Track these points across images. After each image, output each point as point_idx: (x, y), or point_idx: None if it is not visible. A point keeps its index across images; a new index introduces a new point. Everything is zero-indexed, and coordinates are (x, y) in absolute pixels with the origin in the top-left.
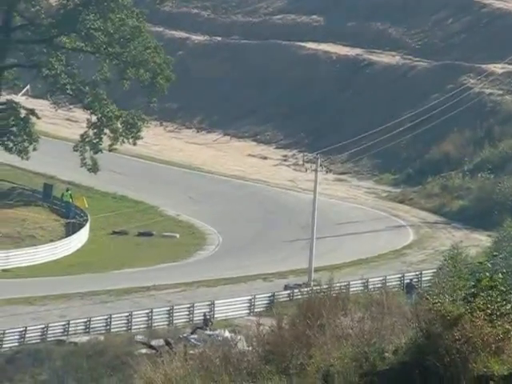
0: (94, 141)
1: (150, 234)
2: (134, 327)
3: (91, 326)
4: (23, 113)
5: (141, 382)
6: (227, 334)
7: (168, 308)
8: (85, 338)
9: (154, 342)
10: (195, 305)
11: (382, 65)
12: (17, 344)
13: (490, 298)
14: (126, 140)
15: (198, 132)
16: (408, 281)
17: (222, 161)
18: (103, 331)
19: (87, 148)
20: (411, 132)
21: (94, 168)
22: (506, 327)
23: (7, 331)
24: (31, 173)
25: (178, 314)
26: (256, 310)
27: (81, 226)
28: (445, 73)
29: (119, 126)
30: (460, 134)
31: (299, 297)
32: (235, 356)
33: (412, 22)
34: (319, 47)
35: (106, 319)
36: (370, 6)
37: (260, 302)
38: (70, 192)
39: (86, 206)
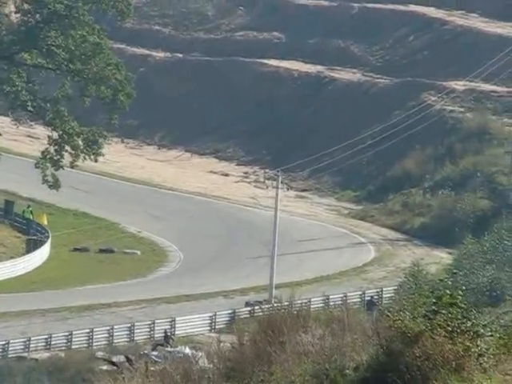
0: (55, 157)
1: (111, 251)
2: (94, 344)
3: (52, 343)
4: None
5: None
6: (188, 350)
7: (129, 325)
8: (46, 355)
9: (114, 359)
10: (156, 321)
11: (343, 82)
12: None
13: (450, 315)
14: (87, 157)
15: (159, 149)
16: (369, 298)
17: (183, 178)
18: (64, 348)
19: (48, 165)
20: (373, 149)
21: (55, 185)
22: (466, 344)
23: None
24: None
25: (138, 330)
26: (217, 327)
27: (42, 243)
28: (406, 90)
29: (80, 142)
30: (421, 151)
31: (260, 314)
32: (196, 373)
33: (373, 39)
34: (281, 64)
35: (67, 336)
36: (332, 23)
37: (221, 319)
38: (30, 209)
39: (46, 222)
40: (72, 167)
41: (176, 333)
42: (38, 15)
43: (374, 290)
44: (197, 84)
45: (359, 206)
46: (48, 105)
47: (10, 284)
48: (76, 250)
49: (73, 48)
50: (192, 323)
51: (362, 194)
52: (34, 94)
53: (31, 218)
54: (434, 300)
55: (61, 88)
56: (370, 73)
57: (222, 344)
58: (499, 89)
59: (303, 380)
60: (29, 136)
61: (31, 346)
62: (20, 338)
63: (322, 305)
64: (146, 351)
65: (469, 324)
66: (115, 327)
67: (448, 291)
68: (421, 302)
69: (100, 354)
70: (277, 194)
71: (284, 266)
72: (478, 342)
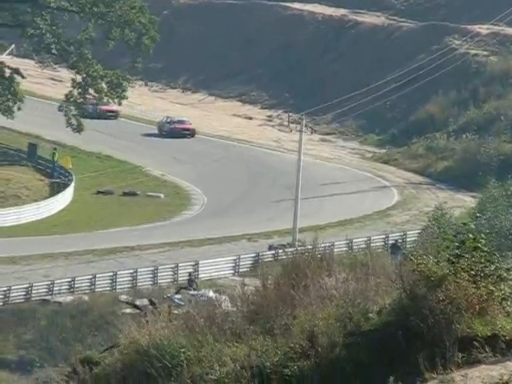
0: (79, 100)
1: (134, 194)
2: (118, 287)
3: (75, 286)
4: (8, 72)
5: (125, 341)
6: (211, 294)
7: (152, 268)
8: (69, 298)
9: (138, 302)
10: (179, 265)
11: (367, 25)
12: (1, 303)
13: (473, 259)
14: (110, 100)
15: (182, 92)
16: (393, 241)
17: (207, 121)
18: (87, 291)
19: (72, 108)
20: (396, 93)
21: (78, 128)
22: (489, 288)
23: None
24: (16, 132)
25: (162, 273)
26: (240, 270)
27: (65, 186)
28: (430, 34)
29: (104, 85)
30: (445, 95)
31: (284, 257)
32: (219, 316)
33: None
34: (304, 7)
35: (91, 279)
36: None
37: (244, 263)
38: (55, 152)
39: (71, 165)
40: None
41: (199, 276)
42: None
43: (398, 234)
44: (220, 27)
45: (383, 149)
46: (72, 48)
47: (34, 227)
48: (99, 192)
49: None
50: (215, 266)
51: (385, 138)
52: (57, 37)
53: (56, 160)
54: (458, 244)
55: (84, 31)
56: (394, 16)
57: (245, 287)
58: None
59: (327, 323)
60: (52, 79)
61: (55, 289)
62: (43, 281)
63: (345, 248)
64: (169, 294)
65: (492, 268)
66: (139, 270)
67: (471, 235)
68: (444, 245)
69: (123, 297)
70: (300, 138)
71: (307, 209)
72: (502, 286)
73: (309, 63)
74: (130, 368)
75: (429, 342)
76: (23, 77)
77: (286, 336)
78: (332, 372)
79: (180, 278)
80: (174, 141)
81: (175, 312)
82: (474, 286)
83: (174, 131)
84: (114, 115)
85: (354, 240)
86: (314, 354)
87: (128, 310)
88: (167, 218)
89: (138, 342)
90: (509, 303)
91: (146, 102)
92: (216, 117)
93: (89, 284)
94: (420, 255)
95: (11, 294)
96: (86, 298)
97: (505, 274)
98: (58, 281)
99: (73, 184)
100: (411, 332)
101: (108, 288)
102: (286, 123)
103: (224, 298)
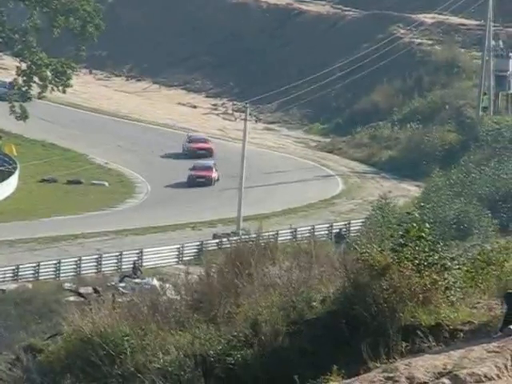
0: (24, 88)
1: (79, 182)
2: (62, 275)
3: (19, 274)
4: None
5: (69, 329)
6: (155, 282)
7: (96, 256)
8: (13, 286)
9: (82, 290)
10: (124, 253)
11: (312, 14)
12: None
13: (417, 248)
14: (55, 88)
15: (127, 80)
16: (337, 230)
17: (151, 109)
18: (31, 279)
19: (16, 96)
20: (341, 82)
21: (22, 116)
22: (433, 277)
23: None
24: None
25: (106, 262)
26: (184, 259)
27: (10, 174)
28: (375, 22)
29: (49, 73)
30: (389, 84)
31: (228, 246)
32: (163, 304)
33: None
34: None
35: (35, 267)
36: None
37: (188, 251)
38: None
39: (15, 153)
40: (40, 98)
41: (143, 264)
42: None
43: (342, 223)
44: (165, 16)
45: (327, 138)
46: (16, 35)
47: None
48: (44, 180)
49: None
50: (159, 255)
51: (329, 127)
52: (2, 25)
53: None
54: (402, 233)
55: (29, 19)
56: (339, 5)
57: (189, 276)
58: (468, 22)
59: (270, 312)
60: None
61: None
62: None
63: (289, 237)
64: (113, 283)
65: (436, 257)
66: (83, 258)
67: (415, 224)
68: (388, 234)
69: (67, 285)
70: (245, 126)
71: (252, 198)
72: (446, 275)
73: (254, 51)
74: (74, 356)
75: (372, 330)
76: None
77: (230, 324)
78: (275, 360)
79: (124, 267)
80: (118, 128)
81: (119, 300)
82: (418, 275)
83: (191, 151)
84: (207, 153)
85: (298, 229)
86: (257, 343)
87: (72, 298)
88: (111, 206)
89: (82, 330)
90: (453, 292)
91: (90, 89)
92: (161, 105)
93: (33, 272)
94: (364, 244)
95: None
96: (29, 285)
97: (449, 264)
98: (2, 268)
99: (17, 172)
100: (355, 321)
101: (52, 276)
102: (230, 112)
103: (168, 286)
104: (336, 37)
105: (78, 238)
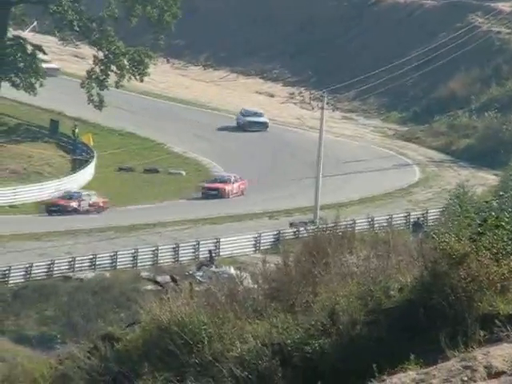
0: (101, 77)
1: (156, 171)
2: (139, 264)
3: (97, 263)
4: (30, 49)
5: (146, 318)
6: (233, 271)
7: (174, 245)
8: (90, 275)
9: (159, 279)
10: (201, 242)
11: (388, 3)
12: (23, 280)
13: (496, 237)
14: (132, 77)
15: (204, 69)
16: (415, 219)
17: (229, 98)
18: (109, 268)
19: (94, 84)
20: (418, 71)
21: (100, 104)
22: (511, 266)
23: (13, 267)
24: (38, 109)
25: (183, 250)
26: (261, 248)
27: (87, 163)
28: (452, 11)
29: (126, 62)
30: (467, 72)
31: (305, 234)
32: (241, 293)
33: None
34: None
35: (112, 256)
36: None
37: (265, 240)
38: (76, 129)
39: (92, 143)
40: (117, 87)
41: (220, 253)
42: None
43: (419, 212)
44: (242, 4)
45: (405, 127)
46: (94, 24)
47: None
48: (121, 169)
49: None
50: (237, 244)
51: (407, 116)
52: (80, 14)
53: (77, 137)
54: (480, 222)
55: (107, 8)
56: None
57: (266, 264)
58: None
59: (348, 301)
60: (75, 56)
61: (76, 265)
62: (65, 257)
63: (367, 226)
64: (190, 271)
65: None
66: (160, 247)
67: (494, 213)
68: (466, 223)
69: (145, 274)
70: (322, 115)
71: (329, 187)
72: None
73: (331, 40)
74: (152, 344)
75: (450, 319)
76: (45, 53)
77: (307, 313)
78: (353, 350)
79: (201, 255)
80: (196, 117)
81: (197, 289)
82: (496, 263)
83: (245, 124)
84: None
85: (376, 218)
86: (334, 332)
87: (150, 287)
88: (189, 195)
89: (160, 319)
90: None
91: (168, 79)
92: (238, 94)
93: (110, 261)
94: (442, 233)
95: (33, 271)
96: (107, 274)
97: None
98: (80, 257)
99: (94, 161)
100: (432, 310)
101: (129, 265)
102: (307, 101)
103: (245, 275)
104: (413, 26)
105: (155, 226)
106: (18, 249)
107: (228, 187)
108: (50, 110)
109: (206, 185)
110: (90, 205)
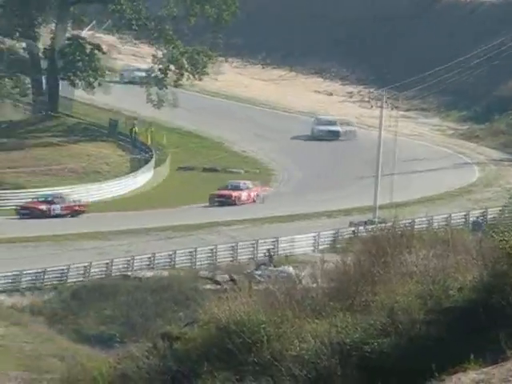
0: (160, 76)
1: (215, 170)
2: (198, 263)
3: (156, 262)
4: (89, 48)
5: (205, 317)
6: (291, 270)
7: (232, 244)
8: (149, 274)
9: (218, 278)
10: (259, 241)
11: (450, 0)
12: (82, 279)
13: None
14: (191, 76)
15: (263, 68)
16: (475, 218)
17: (287, 97)
18: (167, 267)
19: (152, 83)
20: (479, 69)
21: (159, 103)
22: None
23: (72, 266)
24: (97, 108)
25: (241, 250)
26: (320, 247)
27: (146, 162)
28: None
29: (185, 62)
30: None
31: (364, 234)
32: (299, 292)
33: None
34: None
35: (171, 255)
36: None
37: (324, 239)
38: (135, 128)
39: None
40: (176, 86)
41: (279, 252)
42: None
43: (479, 211)
44: (300, 2)
45: (465, 126)
46: (152, 24)
47: (115, 203)
48: (181, 168)
49: None
50: (295, 243)
51: (467, 114)
52: (138, 13)
53: (135, 136)
54: None
55: (166, 7)
56: None
57: (325, 264)
58: None
59: (407, 300)
60: (133, 55)
61: (135, 264)
62: (124, 256)
63: (426, 225)
64: (249, 270)
65: None
66: (219, 246)
67: None
68: None
69: (203, 273)
70: (381, 114)
71: (388, 186)
72: None
73: (390, 39)
74: (210, 344)
75: (510, 319)
76: (104, 53)
77: (366, 313)
78: (412, 349)
79: (259, 255)
80: (256, 116)
81: (255, 288)
82: None
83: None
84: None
85: (435, 217)
86: (393, 331)
87: (208, 286)
88: None
89: (218, 318)
90: None
91: (226, 77)
92: (296, 93)
93: (169, 260)
94: (502, 232)
95: (92, 270)
96: (166, 273)
97: None
98: (139, 256)
99: (153, 160)
100: (492, 309)
101: (188, 264)
102: (367, 99)
103: (304, 274)
104: (474, 24)
105: (214, 225)
106: (77, 248)
107: (234, 194)
108: (109, 108)
109: (215, 192)
110: (62, 208)
